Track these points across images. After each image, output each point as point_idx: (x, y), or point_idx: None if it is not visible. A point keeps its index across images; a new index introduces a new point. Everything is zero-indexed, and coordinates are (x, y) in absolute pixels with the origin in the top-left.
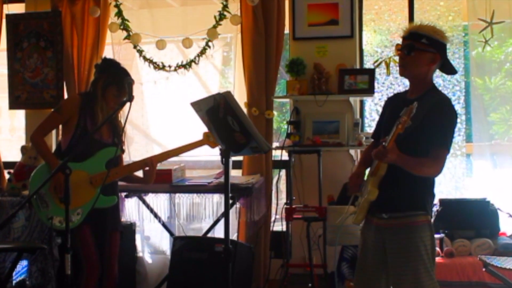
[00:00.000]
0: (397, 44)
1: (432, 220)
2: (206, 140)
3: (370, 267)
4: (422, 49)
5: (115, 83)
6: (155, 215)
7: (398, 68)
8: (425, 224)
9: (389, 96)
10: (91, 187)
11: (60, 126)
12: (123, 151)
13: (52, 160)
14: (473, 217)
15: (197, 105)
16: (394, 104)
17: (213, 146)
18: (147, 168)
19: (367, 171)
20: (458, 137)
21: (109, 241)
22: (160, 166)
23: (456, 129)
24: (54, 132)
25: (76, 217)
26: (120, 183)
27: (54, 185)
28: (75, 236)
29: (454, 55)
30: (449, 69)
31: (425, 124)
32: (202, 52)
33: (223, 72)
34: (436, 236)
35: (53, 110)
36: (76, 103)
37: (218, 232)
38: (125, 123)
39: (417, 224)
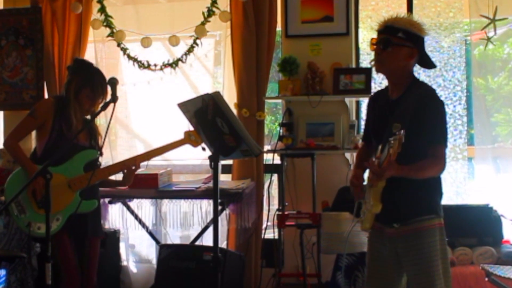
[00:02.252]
0: (372, 38)
1: None
2: (188, 139)
3: (382, 273)
4: (399, 43)
5: (88, 85)
6: (140, 222)
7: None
8: (434, 229)
9: (371, 94)
10: (69, 191)
11: (35, 131)
12: (101, 154)
13: (28, 165)
14: (475, 224)
15: (185, 106)
16: (378, 106)
17: (195, 145)
18: (126, 170)
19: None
20: (459, 140)
21: (89, 248)
22: (145, 170)
23: (457, 132)
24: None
25: (56, 222)
26: (103, 188)
27: (32, 190)
28: (54, 243)
29: (455, 54)
30: (427, 64)
31: (414, 125)
32: (190, 50)
33: (212, 71)
34: None
35: (27, 114)
36: (50, 107)
37: (207, 240)
38: (108, 125)
39: (427, 229)
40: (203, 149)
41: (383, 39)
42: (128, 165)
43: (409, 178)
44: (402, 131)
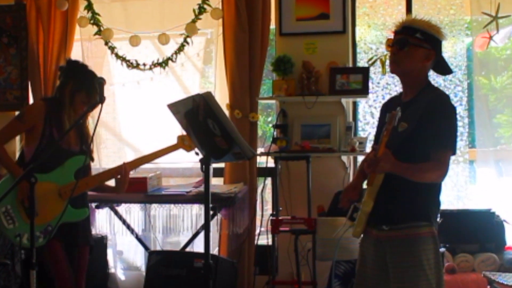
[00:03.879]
0: (388, 39)
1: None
2: (181, 143)
3: (370, 281)
4: (417, 44)
5: (84, 89)
6: (129, 228)
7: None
8: (428, 237)
9: (384, 99)
10: (60, 200)
11: (22, 135)
12: (92, 160)
13: (15, 169)
14: (476, 230)
15: (175, 107)
16: (389, 110)
17: (188, 149)
18: (119, 176)
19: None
20: (461, 142)
21: (78, 256)
22: (134, 174)
23: (458, 133)
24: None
25: (45, 233)
26: (89, 193)
27: (21, 198)
28: (46, 252)
29: (456, 52)
30: (444, 69)
31: (421, 126)
32: (180, 49)
33: (203, 71)
34: None
35: (14, 117)
36: (40, 111)
37: (198, 246)
38: (95, 127)
39: (419, 236)
40: (197, 153)
41: (400, 39)
42: (119, 172)
43: (406, 181)
44: (398, 108)
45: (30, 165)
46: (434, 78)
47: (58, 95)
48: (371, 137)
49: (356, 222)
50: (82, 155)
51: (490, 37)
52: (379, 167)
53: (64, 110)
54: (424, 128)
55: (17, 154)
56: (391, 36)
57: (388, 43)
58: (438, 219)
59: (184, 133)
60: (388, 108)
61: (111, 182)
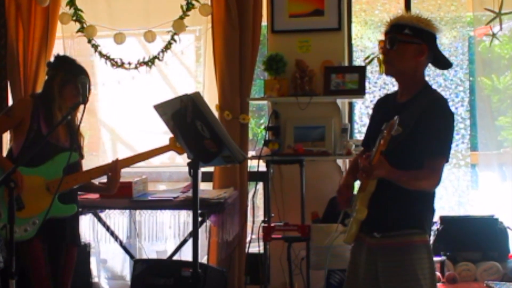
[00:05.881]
0: (380, 41)
1: (432, 240)
2: (173, 145)
3: None
4: (406, 40)
5: (73, 82)
6: (113, 235)
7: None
8: (421, 245)
9: (379, 97)
10: (48, 194)
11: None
12: (82, 157)
13: (4, 162)
14: (479, 237)
15: (161, 108)
16: (384, 109)
17: (180, 152)
18: (110, 174)
19: (357, 183)
20: (462, 145)
21: (65, 256)
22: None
23: (459, 136)
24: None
25: (32, 226)
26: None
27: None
28: (25, 250)
29: (457, 51)
30: (443, 62)
31: (417, 131)
32: (167, 47)
33: (191, 70)
34: (437, 258)
35: (1, 113)
36: (27, 105)
37: (186, 255)
38: (78, 127)
39: (412, 245)
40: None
41: (389, 38)
42: (110, 170)
43: (399, 187)
44: (396, 117)
45: (17, 162)
46: (435, 77)
47: (46, 89)
48: None
49: (348, 228)
50: (72, 151)
51: (493, 35)
52: (374, 175)
53: (54, 103)
54: (420, 133)
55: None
56: (383, 37)
57: (380, 46)
58: (432, 227)
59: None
60: (382, 107)
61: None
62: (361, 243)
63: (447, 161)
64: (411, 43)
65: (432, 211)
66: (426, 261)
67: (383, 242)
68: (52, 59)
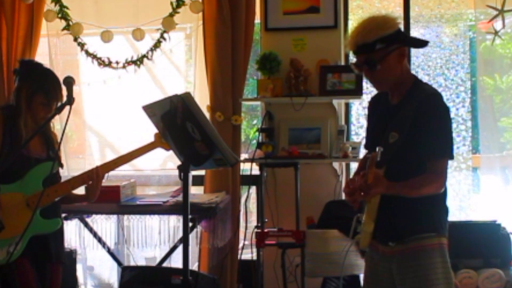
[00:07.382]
0: (351, 64)
1: None
2: (159, 141)
3: None
4: (384, 55)
5: (41, 90)
6: (100, 241)
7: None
8: (434, 249)
9: (372, 96)
10: (29, 210)
11: None
12: (61, 166)
13: None
14: (480, 243)
15: (150, 109)
16: (378, 111)
17: (167, 148)
18: (90, 182)
19: None
20: (463, 148)
21: (51, 275)
22: (106, 182)
23: (460, 138)
24: None
25: (15, 247)
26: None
27: None
28: (13, 271)
29: (457, 49)
30: (417, 43)
31: (414, 134)
32: (156, 45)
33: (182, 69)
34: None
35: None
36: None
37: (176, 261)
38: (63, 130)
39: (424, 249)
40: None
41: (366, 60)
42: (90, 178)
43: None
44: (378, 149)
45: None
46: (435, 77)
47: (14, 100)
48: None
49: (361, 236)
50: (50, 162)
51: (496, 33)
52: (372, 193)
53: (20, 117)
54: (417, 136)
55: None
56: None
57: (353, 67)
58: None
59: None
60: (376, 107)
61: (81, 190)
62: (375, 249)
63: (451, 158)
64: (389, 53)
65: (445, 210)
66: (440, 265)
67: (397, 248)
68: (18, 65)
